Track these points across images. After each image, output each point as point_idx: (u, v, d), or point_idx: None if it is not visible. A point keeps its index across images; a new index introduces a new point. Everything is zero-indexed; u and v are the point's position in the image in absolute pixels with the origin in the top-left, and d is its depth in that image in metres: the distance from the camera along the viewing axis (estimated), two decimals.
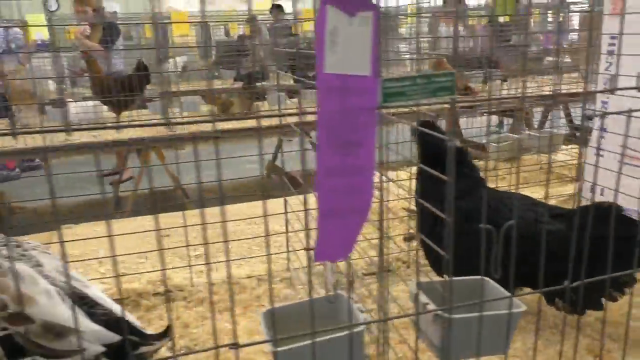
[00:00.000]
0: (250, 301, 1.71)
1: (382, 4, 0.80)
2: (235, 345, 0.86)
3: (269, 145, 6.43)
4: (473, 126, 3.26)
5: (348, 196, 0.82)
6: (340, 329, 0.95)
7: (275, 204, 2.72)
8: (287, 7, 8.04)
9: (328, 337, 0.93)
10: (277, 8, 8.14)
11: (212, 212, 2.31)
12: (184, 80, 6.71)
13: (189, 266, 1.80)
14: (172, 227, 2.14)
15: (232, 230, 2.38)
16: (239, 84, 6.33)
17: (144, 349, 1.14)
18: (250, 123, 4.63)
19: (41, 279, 1.15)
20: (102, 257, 1.94)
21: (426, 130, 1.06)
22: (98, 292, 1.23)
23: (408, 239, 2.07)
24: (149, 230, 2.21)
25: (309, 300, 0.95)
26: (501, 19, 5.02)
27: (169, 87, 6.01)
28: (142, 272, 1.85)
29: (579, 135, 4.50)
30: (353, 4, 0.76)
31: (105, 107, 4.69)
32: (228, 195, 4.68)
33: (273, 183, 5.96)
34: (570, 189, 2.56)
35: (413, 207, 2.40)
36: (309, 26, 6.03)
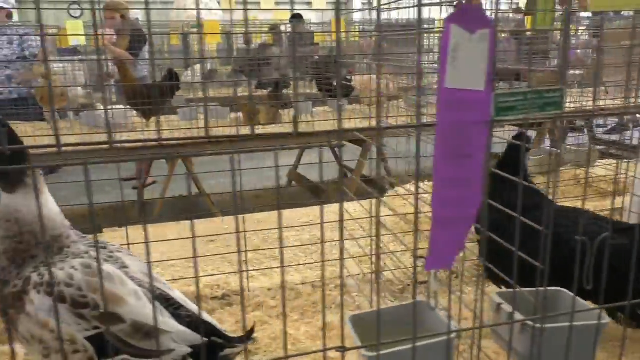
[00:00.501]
0: (307, 307, 1.74)
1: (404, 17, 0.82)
2: (342, 348, 0.89)
3: (288, 155, 6.48)
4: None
5: (458, 206, 0.85)
6: (435, 336, 0.98)
7: (312, 212, 2.76)
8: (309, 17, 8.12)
9: (426, 342, 0.95)
10: (296, 18, 8.23)
11: (253, 219, 2.31)
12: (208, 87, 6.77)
13: (247, 271, 1.83)
14: (225, 234, 2.17)
15: (275, 237, 2.41)
16: (261, 92, 6.40)
17: (227, 351, 1.17)
18: (276, 130, 4.64)
19: (129, 280, 1.19)
20: (159, 261, 1.98)
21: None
22: (181, 294, 1.26)
23: None
24: (204, 236, 2.26)
25: (407, 304, 0.98)
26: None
27: (196, 94, 6.09)
28: (200, 276, 1.89)
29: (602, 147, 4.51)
30: (474, 22, 0.80)
31: (134, 112, 4.76)
32: (247, 205, 4.72)
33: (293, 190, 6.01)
34: (609, 203, 2.57)
35: None
36: (333, 36, 6.06)
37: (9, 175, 1.15)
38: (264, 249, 2.21)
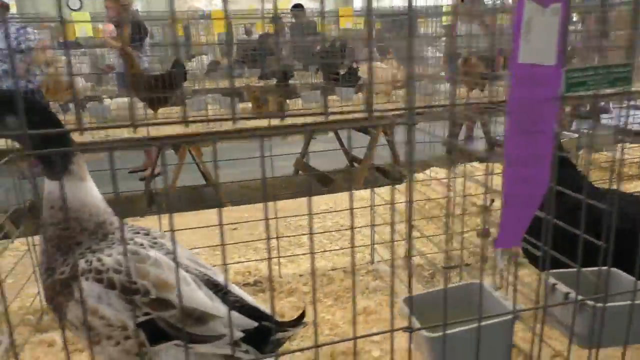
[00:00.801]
0: (340, 292, 1.73)
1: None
2: (409, 329, 0.88)
3: (293, 144, 6.47)
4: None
5: (528, 184, 0.84)
6: (498, 316, 0.97)
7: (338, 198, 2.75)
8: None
9: (489, 322, 0.95)
10: (297, 7, 8.17)
11: (272, 207, 2.29)
12: (210, 79, 6.76)
13: (278, 257, 1.83)
14: (290, 215, 2.16)
15: (297, 224, 2.40)
16: (263, 82, 6.37)
17: (279, 335, 1.17)
18: (282, 121, 4.61)
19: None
20: (202, 247, 1.97)
21: None
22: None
23: (483, 234, 2.08)
24: (241, 222, 2.25)
25: (460, 286, 0.97)
26: None
27: (201, 85, 6.06)
28: (231, 263, 1.88)
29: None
30: None
31: (140, 104, 4.73)
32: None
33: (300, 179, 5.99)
34: (633, 187, 2.58)
35: (482, 202, 2.42)
36: (344, 23, 6.04)
37: (54, 163, 1.13)
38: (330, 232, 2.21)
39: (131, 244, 1.19)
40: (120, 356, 1.12)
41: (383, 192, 2.68)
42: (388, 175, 5.21)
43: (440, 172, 2.87)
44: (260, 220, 2.16)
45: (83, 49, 6.93)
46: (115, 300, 1.11)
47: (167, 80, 4.52)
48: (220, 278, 1.24)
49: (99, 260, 1.13)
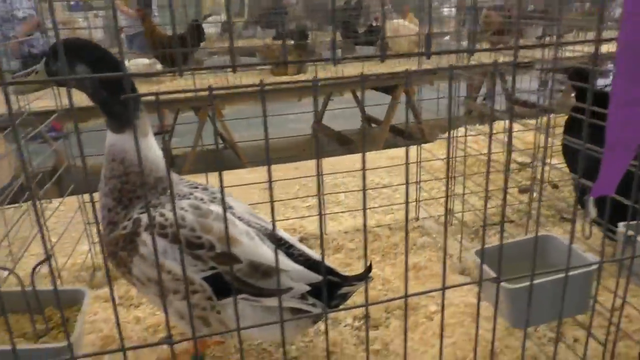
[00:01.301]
0: (387, 249, 1.72)
1: None
2: (497, 279, 0.86)
3: (309, 105, 6.36)
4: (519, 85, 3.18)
5: (630, 129, 0.80)
6: (580, 267, 0.95)
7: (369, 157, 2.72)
8: None
9: (574, 273, 0.93)
10: None
11: (306, 166, 2.25)
12: (225, 38, 6.63)
13: (321, 214, 1.81)
14: (337, 172, 2.13)
15: (333, 182, 2.38)
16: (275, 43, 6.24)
17: (345, 289, 1.15)
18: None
19: (238, 221, 1.16)
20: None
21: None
22: (288, 235, 1.23)
23: (523, 190, 2.05)
24: (278, 180, 2.23)
25: (530, 238, 0.94)
26: None
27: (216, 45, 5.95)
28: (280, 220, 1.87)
29: None
30: None
31: (159, 66, 4.67)
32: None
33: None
34: None
35: (520, 159, 2.38)
36: None
37: (120, 115, 1.10)
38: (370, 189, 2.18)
39: (191, 198, 1.17)
40: (187, 310, 1.11)
41: (394, 153, 2.65)
42: (407, 136, 5.14)
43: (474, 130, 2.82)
44: (307, 177, 2.15)
45: (95, 11, 6.81)
46: (180, 254, 1.09)
47: (185, 39, 4.43)
48: (282, 233, 1.22)
49: (162, 215, 1.11)
